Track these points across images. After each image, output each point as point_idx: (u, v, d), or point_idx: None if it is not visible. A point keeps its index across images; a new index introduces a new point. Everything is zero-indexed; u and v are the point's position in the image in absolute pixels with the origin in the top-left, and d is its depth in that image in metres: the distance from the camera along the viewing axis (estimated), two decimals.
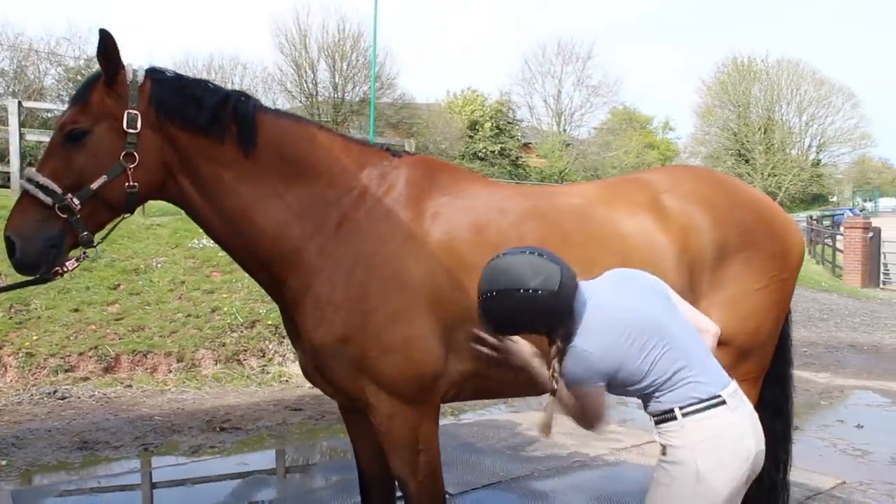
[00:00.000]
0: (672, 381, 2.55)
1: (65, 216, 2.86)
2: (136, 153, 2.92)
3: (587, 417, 2.62)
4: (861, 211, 53.94)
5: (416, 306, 3.03)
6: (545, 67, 55.92)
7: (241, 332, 9.46)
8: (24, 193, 2.90)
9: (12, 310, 9.07)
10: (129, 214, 3.10)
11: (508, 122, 50.03)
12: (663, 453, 2.61)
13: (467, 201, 3.25)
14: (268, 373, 9.04)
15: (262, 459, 6.46)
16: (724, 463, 2.50)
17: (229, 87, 3.29)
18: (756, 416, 2.67)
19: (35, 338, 8.69)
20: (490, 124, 47.73)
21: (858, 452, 6.72)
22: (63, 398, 7.85)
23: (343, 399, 3.31)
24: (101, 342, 8.82)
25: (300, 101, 40.32)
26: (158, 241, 11.37)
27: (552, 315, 2.53)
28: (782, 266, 3.50)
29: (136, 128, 2.92)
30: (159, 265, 10.71)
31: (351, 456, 6.29)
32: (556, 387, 2.58)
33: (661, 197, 3.43)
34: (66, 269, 2.93)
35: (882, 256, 23.68)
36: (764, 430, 3.77)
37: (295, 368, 9.14)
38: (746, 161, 52.20)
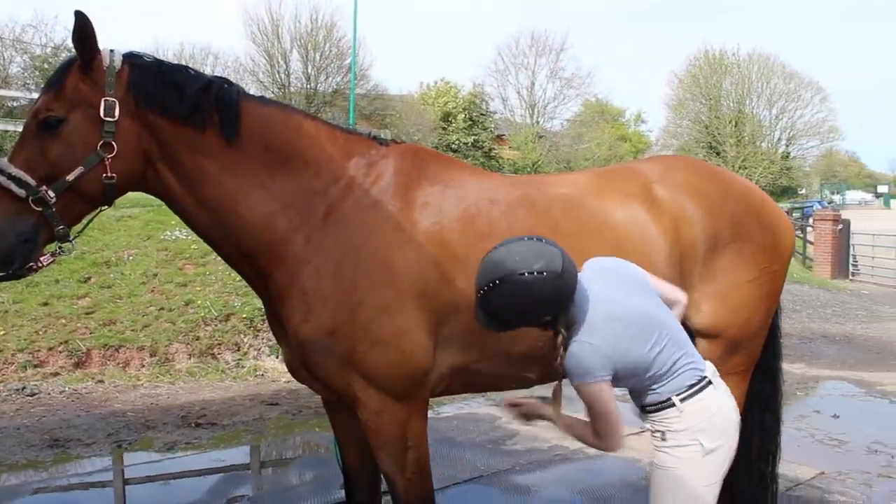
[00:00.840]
0: (670, 372, 2.64)
1: (39, 209, 2.73)
2: (114, 142, 2.79)
3: (601, 432, 2.61)
4: (829, 203, 54.73)
5: (405, 298, 2.95)
6: (518, 59, 55.79)
7: (216, 325, 9.31)
8: None
9: None
10: (106, 207, 2.98)
11: (482, 114, 49.94)
12: (662, 439, 2.69)
13: (457, 191, 3.17)
14: (243, 367, 8.90)
15: (239, 455, 6.36)
16: (723, 437, 2.68)
17: None
18: (727, 387, 2.84)
19: (2, 332, 8.48)
20: (463, 116, 47.61)
21: (835, 442, 6.76)
22: (32, 394, 7.66)
23: (330, 395, 3.22)
24: (71, 336, 8.62)
25: (272, 92, 39.90)
26: (130, 233, 11.16)
27: (558, 300, 2.48)
28: (773, 258, 3.47)
29: (113, 116, 2.79)
30: (131, 258, 10.51)
31: (328, 451, 6.30)
32: (561, 370, 2.59)
33: (653, 187, 3.38)
34: (40, 265, 2.80)
35: (851, 248, 23.98)
36: (753, 422, 3.79)
37: (270, 363, 9.02)
38: (718, 153, 52.64)
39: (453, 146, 46.00)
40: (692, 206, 3.35)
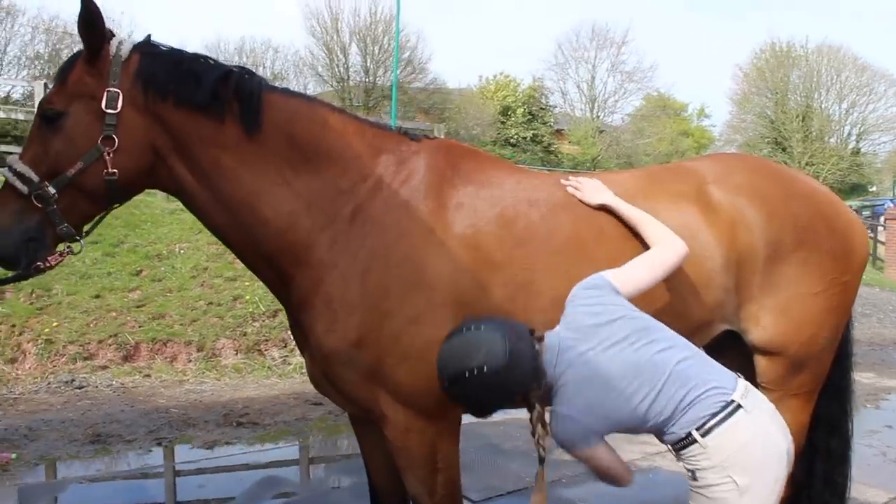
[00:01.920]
0: (676, 411, 2.39)
1: (41, 206, 2.60)
2: (115, 136, 2.64)
3: (604, 477, 2.50)
4: None
5: (437, 307, 2.72)
6: (579, 53, 55.04)
7: (263, 321, 9.25)
8: (4, 182, 2.65)
9: (33, 295, 8.95)
10: (117, 205, 2.83)
11: (541, 108, 49.46)
12: (693, 479, 2.43)
13: (493, 191, 2.94)
14: (289, 364, 8.82)
15: (280, 456, 6.23)
16: (760, 470, 2.33)
17: (261, 71, 2.98)
18: (773, 407, 2.50)
19: (55, 324, 8.55)
20: (522, 110, 47.23)
21: None
22: (80, 387, 7.70)
23: (355, 409, 3.01)
24: (121, 330, 8.66)
25: (331, 86, 40.11)
26: (182, 227, 11.20)
27: (513, 386, 2.40)
28: (844, 268, 3.14)
29: (116, 108, 2.64)
30: (182, 251, 10.54)
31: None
32: (543, 454, 2.46)
33: (709, 188, 3.08)
34: (48, 265, 2.67)
35: None
36: (818, 448, 3.46)
37: None
38: (783, 149, 51.04)
39: (512, 140, 45.65)
40: (751, 209, 3.04)
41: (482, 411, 2.55)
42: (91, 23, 2.60)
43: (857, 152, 53.37)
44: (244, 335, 8.98)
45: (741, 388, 2.42)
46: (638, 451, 6.29)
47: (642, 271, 2.69)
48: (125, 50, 2.69)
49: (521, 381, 2.41)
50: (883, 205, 37.28)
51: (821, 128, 51.21)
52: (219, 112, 2.72)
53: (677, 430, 2.38)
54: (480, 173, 2.98)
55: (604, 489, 5.43)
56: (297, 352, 8.98)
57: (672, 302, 2.93)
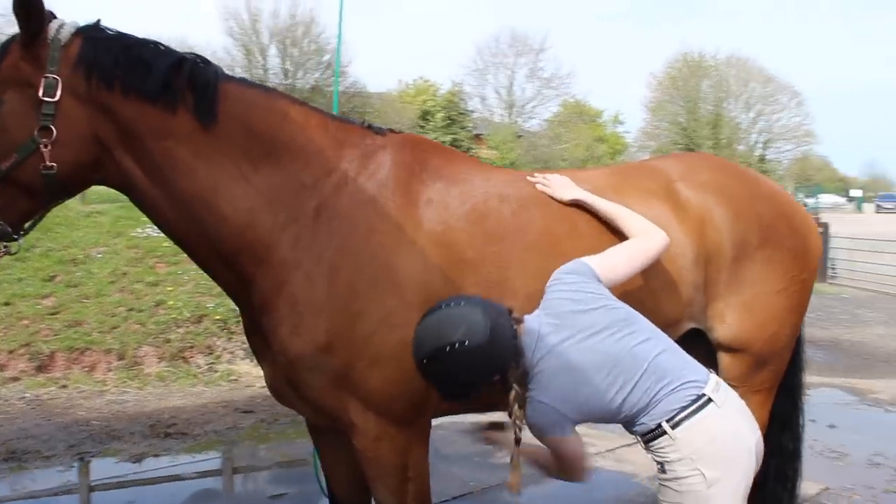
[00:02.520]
0: (650, 404, 2.36)
1: None
2: (53, 127, 2.42)
3: (566, 469, 2.48)
4: (805, 207, 54.94)
5: (409, 307, 2.59)
6: (498, 58, 55.57)
7: (188, 327, 8.90)
8: None
9: None
10: (58, 202, 2.60)
11: (460, 113, 49.62)
12: (662, 471, 2.40)
13: (462, 187, 2.83)
14: (216, 371, 8.50)
15: (214, 467, 5.97)
16: (728, 463, 2.32)
17: None
18: (742, 403, 2.49)
19: None
20: (442, 114, 47.27)
21: (836, 455, 6.50)
22: None
23: (320, 418, 2.84)
24: (33, 339, 8.18)
25: None
26: (98, 230, 10.72)
27: (494, 362, 2.33)
28: (803, 266, 3.17)
29: (54, 96, 2.42)
30: (99, 255, 10.07)
31: (308, 464, 5.92)
32: (519, 435, 2.42)
33: (676, 186, 3.06)
34: None
35: (829, 251, 23.96)
36: (770, 444, 3.47)
37: (245, 367, 8.63)
38: None
39: None
40: (719, 207, 3.04)
41: (458, 390, 2.42)
42: (27, 4, 2.37)
43: (763, 159, 55.52)
44: (167, 342, 8.61)
45: (712, 383, 2.40)
46: None
47: (622, 260, 2.64)
48: (65, 34, 2.48)
49: (501, 357, 2.33)
50: None
51: (730, 135, 53.13)
52: (171, 102, 2.53)
53: (647, 422, 2.35)
54: (448, 168, 2.87)
55: (550, 491, 5.46)
56: (224, 359, 8.70)
57: (644, 298, 2.88)
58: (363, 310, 2.58)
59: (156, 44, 2.63)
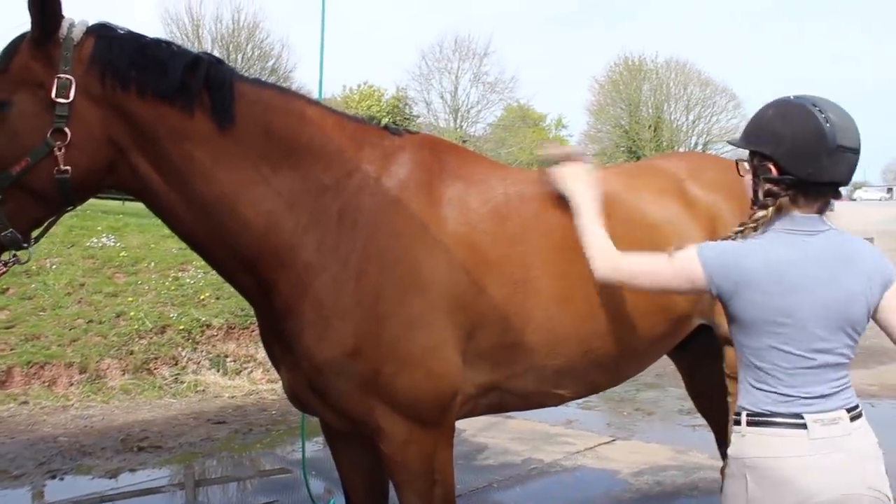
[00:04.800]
0: (776, 379, 2.08)
1: None
2: (67, 129, 2.33)
3: (626, 261, 2.28)
4: None
5: (435, 310, 2.57)
6: (442, 63, 55.62)
7: (151, 338, 8.66)
8: None
9: None
10: (70, 208, 2.51)
11: (405, 118, 49.66)
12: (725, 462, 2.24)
13: (482, 187, 2.82)
14: (182, 382, 8.29)
15: (191, 480, 5.81)
16: (778, 491, 2.02)
17: None
18: (872, 454, 2.10)
19: None
20: (387, 120, 47.20)
21: None
22: None
23: (345, 424, 2.79)
24: None
25: None
26: (52, 240, 10.32)
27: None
28: None
29: (67, 97, 2.33)
30: (54, 266, 9.74)
31: (292, 474, 5.83)
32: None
33: (685, 184, 3.11)
34: None
35: None
36: None
37: (212, 377, 8.46)
38: (637, 158, 53.49)
39: None
40: (727, 204, 3.09)
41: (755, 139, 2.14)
42: (46, 1, 2.28)
43: None
44: (131, 354, 8.37)
45: (831, 417, 2.10)
46: (560, 451, 6.32)
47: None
48: (77, 33, 2.39)
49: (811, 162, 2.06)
50: None
51: (670, 137, 54.22)
52: (188, 104, 2.46)
53: (743, 394, 2.15)
54: (466, 169, 2.86)
55: (535, 491, 5.47)
56: (189, 370, 8.51)
57: (661, 296, 2.91)
58: (390, 313, 2.55)
59: (168, 43, 2.56)
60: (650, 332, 2.99)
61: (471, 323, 2.64)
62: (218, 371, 8.60)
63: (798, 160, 2.03)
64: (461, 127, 55.60)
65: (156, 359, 8.47)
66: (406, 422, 2.60)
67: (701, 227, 3.03)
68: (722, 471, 2.85)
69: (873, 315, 2.12)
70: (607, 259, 2.31)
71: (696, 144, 55.81)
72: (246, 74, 2.82)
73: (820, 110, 2.04)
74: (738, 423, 2.14)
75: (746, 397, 2.13)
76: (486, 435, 6.74)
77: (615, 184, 3.05)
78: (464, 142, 51.61)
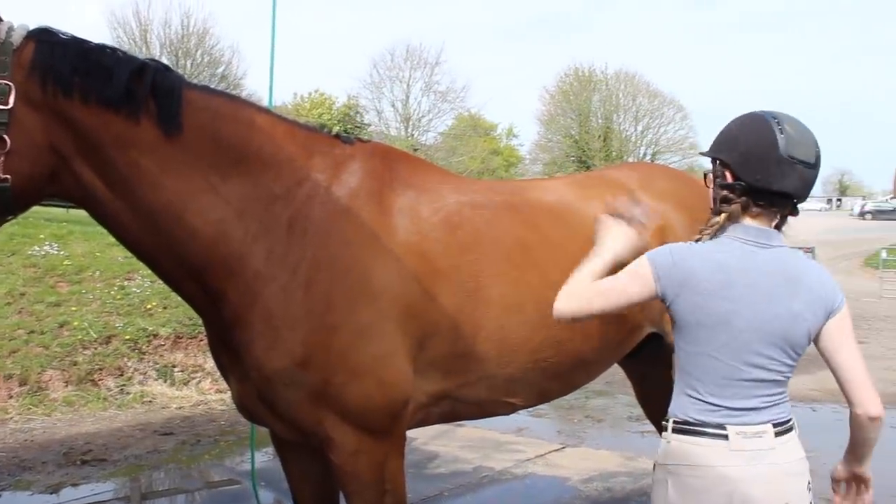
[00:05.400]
0: (692, 382, 2.13)
1: None
2: (6, 136, 2.27)
3: (593, 289, 2.19)
4: None
5: (385, 319, 2.58)
6: (394, 72, 55.57)
7: (96, 349, 8.46)
8: None
9: None
10: (10, 217, 2.45)
11: (356, 126, 49.51)
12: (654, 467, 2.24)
13: (433, 196, 2.83)
14: (128, 393, 8.11)
15: (137, 494, 5.68)
16: (698, 497, 2.06)
17: None
18: (797, 470, 2.12)
19: None
20: (338, 128, 46.99)
21: None
22: None
23: (295, 435, 2.77)
24: None
25: None
26: None
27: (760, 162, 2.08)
28: None
29: (7, 104, 2.27)
30: None
31: (236, 483, 5.75)
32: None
33: (636, 195, 3.16)
34: None
35: None
36: None
37: (159, 387, 8.29)
38: (587, 167, 54.29)
39: None
40: (675, 213, 3.16)
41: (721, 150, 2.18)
42: None
43: None
44: (74, 365, 8.16)
45: (754, 430, 2.13)
46: (511, 458, 6.35)
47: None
48: (17, 37, 2.34)
49: (763, 169, 2.11)
50: None
51: (620, 147, 55.10)
52: (134, 111, 2.42)
53: (672, 406, 2.19)
54: (417, 177, 2.87)
55: (485, 499, 5.48)
56: (136, 380, 8.34)
57: None
58: (340, 322, 2.55)
59: (114, 49, 2.53)
60: (602, 341, 3.03)
61: (422, 332, 2.65)
62: (165, 381, 8.43)
63: (749, 166, 2.07)
64: (412, 135, 55.59)
65: (100, 370, 8.27)
66: (356, 431, 2.59)
67: (651, 236, 3.08)
68: None
69: (814, 340, 2.14)
70: (573, 295, 2.23)
71: (645, 155, 56.75)
72: (195, 81, 2.78)
73: (778, 122, 2.09)
74: (665, 429, 2.18)
75: (676, 403, 2.17)
76: (436, 443, 6.73)
77: (568, 194, 3.09)
78: (415, 150, 51.59)
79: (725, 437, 2.05)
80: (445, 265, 2.71)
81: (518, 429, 7.27)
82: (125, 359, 8.47)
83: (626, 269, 2.20)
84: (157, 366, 8.53)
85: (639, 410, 4.43)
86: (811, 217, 47.82)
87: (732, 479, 2.03)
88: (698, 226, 3.09)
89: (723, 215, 2.13)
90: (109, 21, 49.88)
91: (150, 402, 8.05)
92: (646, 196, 3.18)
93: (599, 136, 55.03)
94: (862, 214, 60.15)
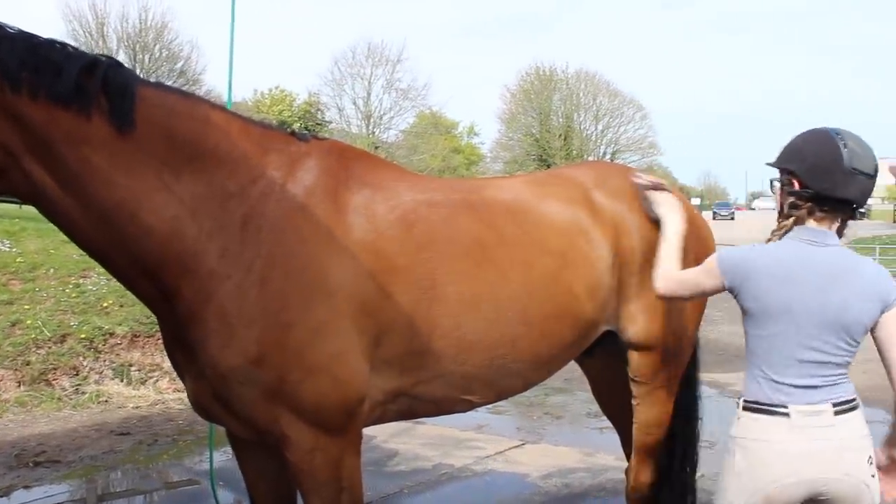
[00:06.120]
0: (759, 363, 2.39)
1: None
2: None
3: (677, 276, 2.61)
4: None
5: (341, 316, 2.59)
6: (355, 69, 55.31)
7: (49, 348, 8.30)
8: None
9: None
10: None
11: (317, 124, 49.26)
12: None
13: (390, 194, 2.84)
14: (83, 393, 7.98)
15: (92, 496, 5.61)
16: (758, 469, 2.32)
17: None
18: (855, 445, 2.35)
19: None
20: (299, 125, 46.70)
21: (707, 444, 6.87)
22: None
23: (250, 433, 2.76)
24: None
25: None
26: None
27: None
28: None
29: None
30: None
31: (195, 484, 5.70)
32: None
33: (592, 193, 3.21)
34: None
35: None
36: (675, 433, 3.69)
37: (115, 387, 8.17)
38: (548, 166, 54.63)
39: None
40: (630, 213, 3.21)
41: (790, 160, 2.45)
42: None
43: None
44: (27, 364, 7.99)
45: (814, 409, 2.39)
46: (471, 455, 6.38)
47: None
48: None
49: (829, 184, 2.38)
50: None
51: (580, 146, 55.58)
52: (85, 107, 2.39)
53: (745, 385, 2.45)
54: (374, 175, 2.88)
55: (445, 495, 5.50)
56: (91, 380, 8.21)
57: (570, 302, 3.00)
58: (295, 320, 2.55)
59: (63, 44, 2.49)
60: (559, 338, 3.07)
61: (377, 329, 2.66)
62: (122, 381, 8.31)
63: (817, 176, 2.35)
64: (373, 133, 55.41)
65: (55, 369, 8.12)
66: (312, 429, 2.60)
67: (605, 235, 3.13)
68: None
69: (871, 330, 2.38)
70: (668, 279, 2.64)
71: (605, 153, 57.34)
72: (154, 76, 2.76)
73: (841, 137, 2.38)
74: (737, 406, 2.45)
75: (746, 384, 2.44)
76: (396, 441, 6.74)
77: (524, 192, 3.12)
78: (376, 148, 51.47)
79: (787, 414, 2.32)
80: (401, 263, 2.72)
81: (478, 426, 7.31)
82: (80, 358, 8.33)
83: (701, 265, 2.57)
84: (114, 365, 8.40)
85: (597, 407, 4.48)
86: (767, 215, 48.66)
87: (793, 452, 2.30)
88: (652, 225, 3.17)
89: (791, 219, 2.41)
90: (65, 14, 49.06)
91: (107, 401, 7.93)
92: (600, 194, 3.22)
93: (560, 135, 55.43)
94: None
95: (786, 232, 2.42)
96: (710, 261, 2.49)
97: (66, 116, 2.37)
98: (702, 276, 2.53)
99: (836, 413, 2.33)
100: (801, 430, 2.31)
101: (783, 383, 2.34)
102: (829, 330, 2.33)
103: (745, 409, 2.40)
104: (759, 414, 2.35)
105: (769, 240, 2.47)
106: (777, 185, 2.48)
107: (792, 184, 2.40)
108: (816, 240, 2.37)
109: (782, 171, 2.45)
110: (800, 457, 2.30)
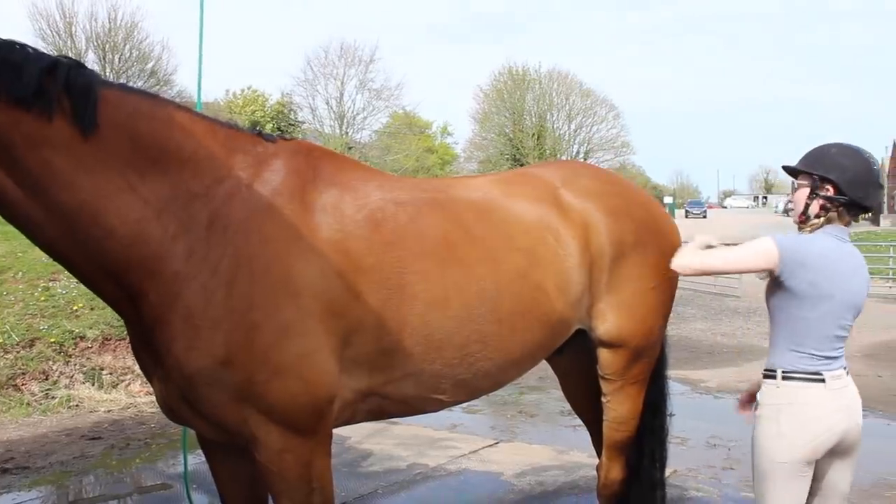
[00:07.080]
0: (797, 339, 2.77)
1: None
2: None
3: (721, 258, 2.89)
4: None
5: (308, 316, 2.59)
6: (328, 69, 55.02)
7: (18, 352, 8.21)
8: None
9: None
10: None
11: (290, 124, 48.96)
12: (755, 409, 2.90)
13: (357, 193, 2.85)
14: (53, 398, 7.90)
15: (70, 499, 5.56)
16: (804, 427, 2.74)
17: None
18: (858, 400, 2.87)
19: None
20: (271, 125, 46.40)
21: (678, 440, 6.97)
22: None
23: (219, 435, 2.75)
24: None
25: None
26: None
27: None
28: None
29: None
30: None
31: (167, 488, 5.67)
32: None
33: (560, 192, 3.24)
34: None
35: None
36: (644, 429, 3.74)
37: (86, 391, 8.10)
38: (521, 165, 54.78)
39: None
40: (598, 212, 3.25)
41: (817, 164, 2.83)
42: None
43: None
44: None
45: (837, 372, 2.84)
46: (445, 455, 6.40)
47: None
48: None
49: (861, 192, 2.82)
50: None
51: (553, 146, 55.73)
52: (45, 108, 2.37)
53: (775, 356, 2.84)
54: (341, 175, 2.89)
55: (420, 495, 5.51)
56: (62, 384, 8.14)
57: (541, 300, 3.02)
58: (262, 321, 2.55)
59: (24, 45, 2.46)
60: (530, 335, 3.10)
61: (346, 329, 2.67)
62: (93, 385, 8.24)
63: (855, 186, 2.76)
64: (347, 133, 55.18)
65: (23, 374, 8.04)
66: (281, 430, 2.60)
67: (574, 233, 3.16)
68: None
69: None
70: (691, 257, 2.94)
71: (578, 153, 57.55)
72: (123, 76, 2.75)
73: (870, 156, 2.84)
74: (773, 377, 2.82)
75: (782, 357, 2.81)
76: (371, 441, 6.74)
77: (493, 191, 3.15)
78: (349, 148, 51.28)
79: (823, 380, 2.76)
80: (369, 262, 2.73)
81: (452, 425, 7.33)
82: (50, 362, 8.25)
83: (749, 245, 2.87)
84: (85, 369, 8.33)
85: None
86: (740, 214, 49.29)
87: (828, 410, 2.76)
88: (619, 222, 3.21)
89: (821, 219, 2.80)
90: (31, 13, 48.36)
91: (77, 406, 7.87)
92: (569, 194, 3.25)
93: (533, 135, 55.54)
94: (786, 211, 62.22)
95: (816, 228, 2.81)
96: (766, 243, 2.78)
97: (26, 119, 2.35)
98: (751, 256, 2.83)
99: (847, 375, 2.84)
100: (833, 392, 2.77)
101: (821, 356, 2.76)
102: (851, 311, 2.80)
103: (783, 378, 2.78)
104: (802, 381, 2.76)
105: (800, 230, 2.86)
106: (804, 187, 2.83)
107: (827, 189, 2.77)
108: (843, 237, 2.81)
109: (818, 177, 2.79)
110: (835, 412, 2.76)
